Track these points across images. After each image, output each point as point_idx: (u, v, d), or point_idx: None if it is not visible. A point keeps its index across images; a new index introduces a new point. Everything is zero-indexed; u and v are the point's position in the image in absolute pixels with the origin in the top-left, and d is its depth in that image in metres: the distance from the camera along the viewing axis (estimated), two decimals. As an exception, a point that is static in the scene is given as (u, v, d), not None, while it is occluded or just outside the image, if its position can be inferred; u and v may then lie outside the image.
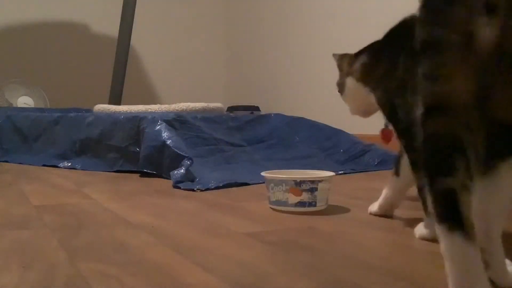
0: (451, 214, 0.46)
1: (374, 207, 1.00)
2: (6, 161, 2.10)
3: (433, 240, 0.65)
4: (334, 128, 2.07)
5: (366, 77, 0.90)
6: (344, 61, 0.98)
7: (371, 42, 0.92)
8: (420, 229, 0.79)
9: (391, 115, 0.84)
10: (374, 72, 0.88)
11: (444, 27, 0.47)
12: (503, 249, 0.53)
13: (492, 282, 0.53)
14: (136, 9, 2.82)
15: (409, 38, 0.61)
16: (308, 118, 2.17)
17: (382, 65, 0.85)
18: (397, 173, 0.94)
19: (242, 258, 0.69)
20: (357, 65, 0.93)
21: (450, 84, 0.47)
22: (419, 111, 0.50)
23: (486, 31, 0.45)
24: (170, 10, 3.72)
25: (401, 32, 0.79)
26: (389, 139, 0.95)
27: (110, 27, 3.22)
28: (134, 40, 2.98)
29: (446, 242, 0.46)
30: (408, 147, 0.81)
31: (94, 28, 3.45)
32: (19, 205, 1.11)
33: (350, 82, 0.95)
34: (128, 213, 1.02)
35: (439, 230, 0.47)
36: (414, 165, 0.79)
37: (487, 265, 0.51)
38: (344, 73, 0.98)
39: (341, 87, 0.99)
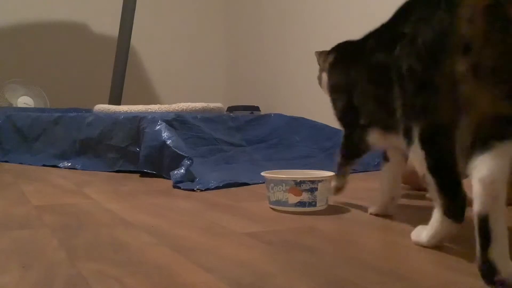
0: (459, 216, 0.68)
1: (373, 207, 1.00)
2: (6, 161, 2.10)
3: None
4: (334, 128, 2.06)
5: (331, 75, 1.04)
6: (321, 57, 1.09)
7: (343, 41, 1.04)
8: (418, 233, 0.76)
9: (344, 110, 0.98)
10: (336, 72, 1.02)
11: (437, 73, 0.64)
12: (505, 221, 0.56)
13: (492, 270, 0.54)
14: (136, 9, 2.82)
15: (375, 55, 0.83)
16: (308, 118, 2.17)
17: (343, 69, 0.98)
18: (386, 159, 0.97)
19: (242, 258, 0.69)
20: (327, 62, 1.06)
21: (440, 109, 0.65)
22: (416, 128, 0.68)
23: (462, 67, 0.61)
24: (170, 10, 3.72)
25: (368, 46, 0.88)
26: None
27: (110, 27, 3.23)
28: (134, 40, 2.98)
29: (444, 225, 0.70)
30: (349, 136, 0.98)
31: (94, 28, 3.45)
32: (19, 205, 1.11)
33: (325, 76, 1.06)
34: (128, 213, 1.02)
35: (444, 219, 0.69)
36: (349, 152, 1.00)
37: (491, 239, 0.55)
38: (321, 69, 1.08)
39: (319, 80, 1.09)
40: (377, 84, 0.82)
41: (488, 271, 0.55)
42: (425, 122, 0.67)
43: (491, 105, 0.60)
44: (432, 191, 0.69)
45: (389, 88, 0.74)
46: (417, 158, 0.69)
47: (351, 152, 1.00)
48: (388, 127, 0.83)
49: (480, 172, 0.57)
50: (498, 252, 0.54)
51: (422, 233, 0.74)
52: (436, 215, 0.70)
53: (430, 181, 0.69)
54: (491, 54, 0.60)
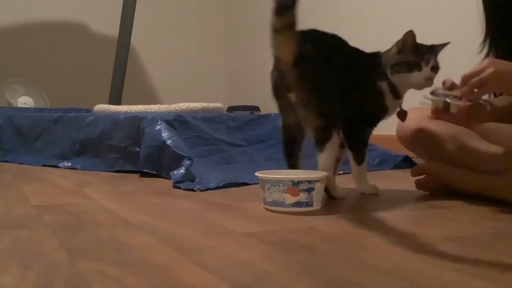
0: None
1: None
2: (6, 161, 2.10)
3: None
4: (334, 128, 2.06)
5: None
6: None
7: None
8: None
9: None
10: None
11: (283, 103, 1.12)
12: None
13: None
14: (136, 9, 2.82)
15: None
16: (308, 118, 2.16)
17: None
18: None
19: (242, 258, 0.69)
20: None
21: (289, 121, 1.13)
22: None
23: (293, 99, 1.07)
24: (170, 10, 3.72)
25: None
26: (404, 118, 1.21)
27: (110, 27, 3.23)
28: (134, 40, 2.98)
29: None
30: None
31: (94, 28, 3.45)
32: (19, 205, 1.11)
33: None
34: (128, 213, 1.02)
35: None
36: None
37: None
38: None
39: None
40: None
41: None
42: (284, 127, 1.14)
43: (315, 121, 1.05)
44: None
45: None
46: None
47: None
48: None
49: (322, 158, 1.06)
50: (331, 182, 1.12)
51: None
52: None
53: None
54: (300, 93, 1.05)
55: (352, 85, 1.13)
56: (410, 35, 1.11)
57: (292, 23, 0.96)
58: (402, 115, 1.19)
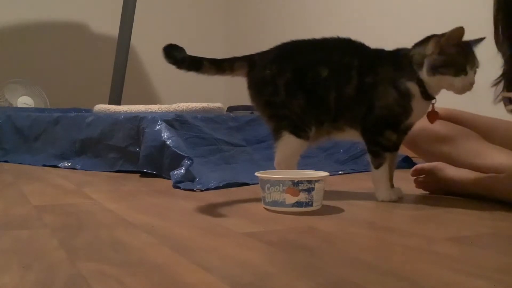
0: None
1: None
2: (6, 161, 2.10)
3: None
4: (334, 128, 2.06)
5: None
6: None
7: None
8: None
9: None
10: None
11: None
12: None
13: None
14: (136, 9, 2.82)
15: None
16: (308, 118, 2.16)
17: None
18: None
19: (242, 258, 0.69)
20: None
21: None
22: None
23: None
24: (170, 9, 3.72)
25: None
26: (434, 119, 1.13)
27: (110, 27, 3.23)
28: (134, 40, 2.98)
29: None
30: None
31: (94, 28, 3.45)
32: (19, 205, 1.11)
33: None
34: (128, 213, 1.02)
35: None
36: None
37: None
38: None
39: None
40: None
41: None
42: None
43: (267, 122, 1.20)
44: None
45: None
46: None
47: None
48: None
49: (276, 154, 1.14)
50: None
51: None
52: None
53: None
54: (251, 98, 1.27)
55: (363, 86, 1.08)
56: (459, 32, 0.97)
57: (217, 68, 1.28)
58: (432, 116, 1.11)
